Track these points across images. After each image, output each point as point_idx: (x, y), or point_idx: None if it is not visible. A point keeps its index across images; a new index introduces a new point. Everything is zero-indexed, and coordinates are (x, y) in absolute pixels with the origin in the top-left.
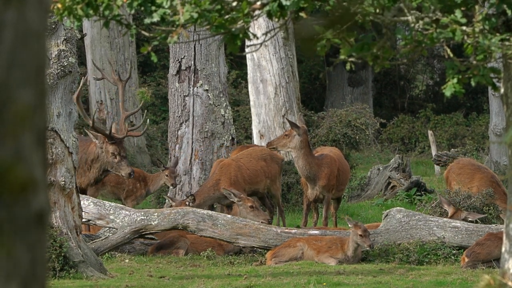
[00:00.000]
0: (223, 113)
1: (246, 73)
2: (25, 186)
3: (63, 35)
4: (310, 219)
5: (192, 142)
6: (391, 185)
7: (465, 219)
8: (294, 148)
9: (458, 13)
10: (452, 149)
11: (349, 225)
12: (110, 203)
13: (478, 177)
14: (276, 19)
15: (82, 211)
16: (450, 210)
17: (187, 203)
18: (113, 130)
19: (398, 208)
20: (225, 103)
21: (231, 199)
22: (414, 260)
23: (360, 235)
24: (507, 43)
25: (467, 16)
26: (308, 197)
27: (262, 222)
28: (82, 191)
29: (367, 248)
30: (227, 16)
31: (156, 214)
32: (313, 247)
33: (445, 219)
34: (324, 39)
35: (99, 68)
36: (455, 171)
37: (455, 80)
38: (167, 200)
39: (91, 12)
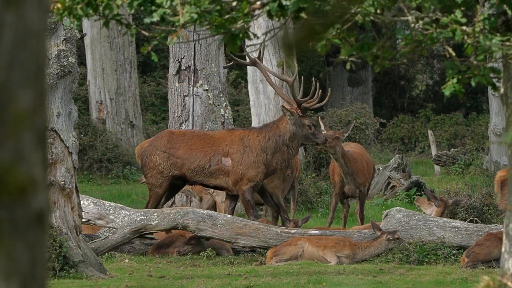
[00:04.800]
0: (223, 113)
1: (246, 73)
2: (25, 187)
3: (63, 35)
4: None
5: None
6: (391, 185)
7: (455, 204)
8: (338, 153)
9: (458, 13)
10: (452, 149)
11: (385, 237)
12: (110, 203)
13: None
14: (277, 19)
15: (82, 211)
16: (438, 206)
17: None
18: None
19: (398, 208)
20: (225, 103)
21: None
22: (414, 260)
23: (398, 238)
24: (507, 43)
25: (467, 16)
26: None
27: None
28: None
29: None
30: (227, 16)
31: (155, 214)
32: (316, 244)
33: (445, 219)
34: (324, 39)
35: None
36: None
37: (455, 80)
38: None
39: (91, 12)
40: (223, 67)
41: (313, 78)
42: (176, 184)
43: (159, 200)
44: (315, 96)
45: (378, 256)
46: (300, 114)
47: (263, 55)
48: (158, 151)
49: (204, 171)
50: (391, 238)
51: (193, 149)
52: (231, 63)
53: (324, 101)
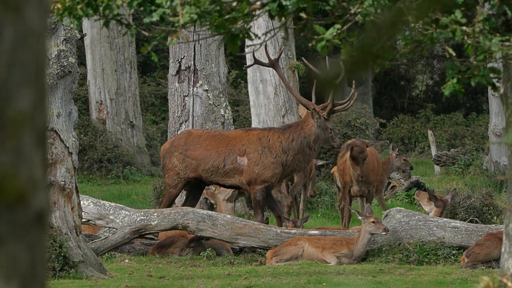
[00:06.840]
0: (223, 113)
1: (246, 73)
2: (25, 189)
3: (63, 35)
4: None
5: None
6: (391, 185)
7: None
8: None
9: (458, 13)
10: (452, 149)
11: (359, 218)
12: (110, 203)
13: None
14: (278, 19)
15: (82, 211)
16: (438, 206)
17: None
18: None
19: (398, 208)
20: (225, 103)
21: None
22: (414, 260)
23: (373, 222)
24: (507, 43)
25: (467, 16)
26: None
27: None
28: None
29: (383, 234)
30: (227, 16)
31: (156, 214)
32: (315, 245)
33: (445, 219)
34: (324, 39)
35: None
36: None
37: (455, 80)
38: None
39: (91, 12)
40: (244, 67)
41: (353, 82)
42: (196, 184)
43: (172, 200)
44: (352, 101)
45: (379, 255)
46: (325, 117)
47: (280, 56)
48: (176, 153)
49: (219, 171)
50: (364, 219)
51: (207, 149)
52: (252, 63)
53: (350, 105)
